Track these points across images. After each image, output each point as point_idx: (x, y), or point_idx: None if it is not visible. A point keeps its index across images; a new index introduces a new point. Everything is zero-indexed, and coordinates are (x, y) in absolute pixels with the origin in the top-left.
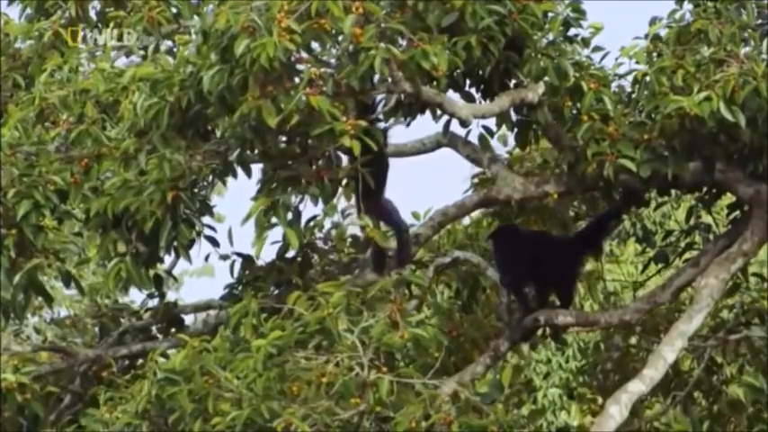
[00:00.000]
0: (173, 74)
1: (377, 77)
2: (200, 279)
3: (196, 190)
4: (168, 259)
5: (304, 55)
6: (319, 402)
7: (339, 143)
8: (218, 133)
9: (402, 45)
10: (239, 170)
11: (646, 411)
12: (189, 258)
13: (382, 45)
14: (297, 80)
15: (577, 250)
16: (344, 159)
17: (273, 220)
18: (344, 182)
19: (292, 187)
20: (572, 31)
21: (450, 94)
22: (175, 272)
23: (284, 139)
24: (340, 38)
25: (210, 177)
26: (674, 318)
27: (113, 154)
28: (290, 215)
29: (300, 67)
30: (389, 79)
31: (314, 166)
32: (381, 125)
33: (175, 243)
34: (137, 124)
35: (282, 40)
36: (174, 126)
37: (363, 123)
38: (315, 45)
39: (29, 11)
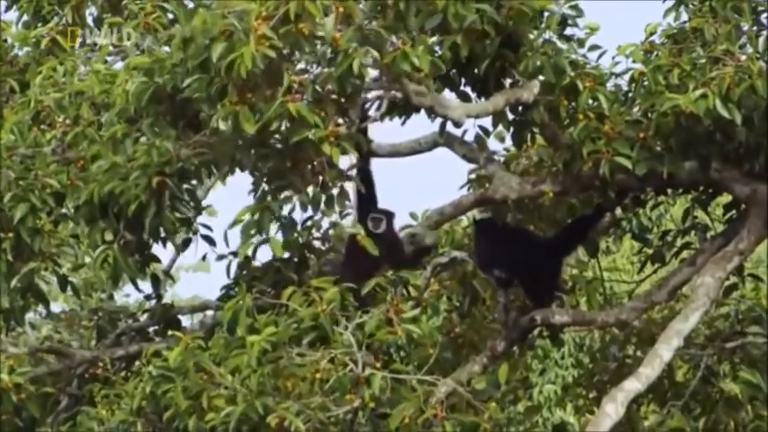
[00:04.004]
0: (165, 60)
1: (368, 79)
2: (195, 274)
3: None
4: (165, 258)
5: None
6: (313, 398)
7: (320, 150)
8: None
9: (388, 48)
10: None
11: (643, 422)
12: (176, 247)
13: (362, 48)
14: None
15: (556, 250)
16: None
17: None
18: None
19: (283, 195)
20: (568, 31)
21: (446, 93)
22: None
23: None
24: (319, 44)
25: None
26: None
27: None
28: (274, 227)
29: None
30: (384, 79)
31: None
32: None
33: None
34: (127, 110)
35: (261, 48)
36: (163, 113)
37: (343, 130)
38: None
39: (26, 17)
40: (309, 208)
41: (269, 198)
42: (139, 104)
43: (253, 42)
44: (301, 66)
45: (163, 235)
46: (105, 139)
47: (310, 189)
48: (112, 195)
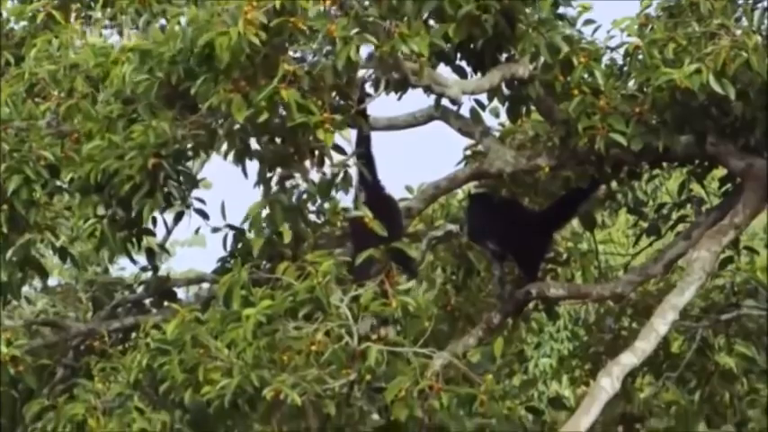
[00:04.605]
0: (162, 47)
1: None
2: (191, 249)
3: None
4: (161, 232)
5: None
6: (309, 371)
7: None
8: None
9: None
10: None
11: (638, 395)
12: (166, 226)
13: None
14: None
15: (548, 223)
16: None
17: None
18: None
19: (289, 183)
20: (561, 10)
21: (441, 68)
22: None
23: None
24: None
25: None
26: None
27: (97, 117)
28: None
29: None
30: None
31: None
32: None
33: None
34: (123, 91)
35: (248, 32)
36: (161, 97)
37: (339, 117)
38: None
39: None
40: (311, 199)
41: (275, 186)
42: (137, 90)
43: (241, 24)
44: (298, 55)
45: (147, 216)
46: (101, 117)
47: (315, 176)
48: (107, 174)
